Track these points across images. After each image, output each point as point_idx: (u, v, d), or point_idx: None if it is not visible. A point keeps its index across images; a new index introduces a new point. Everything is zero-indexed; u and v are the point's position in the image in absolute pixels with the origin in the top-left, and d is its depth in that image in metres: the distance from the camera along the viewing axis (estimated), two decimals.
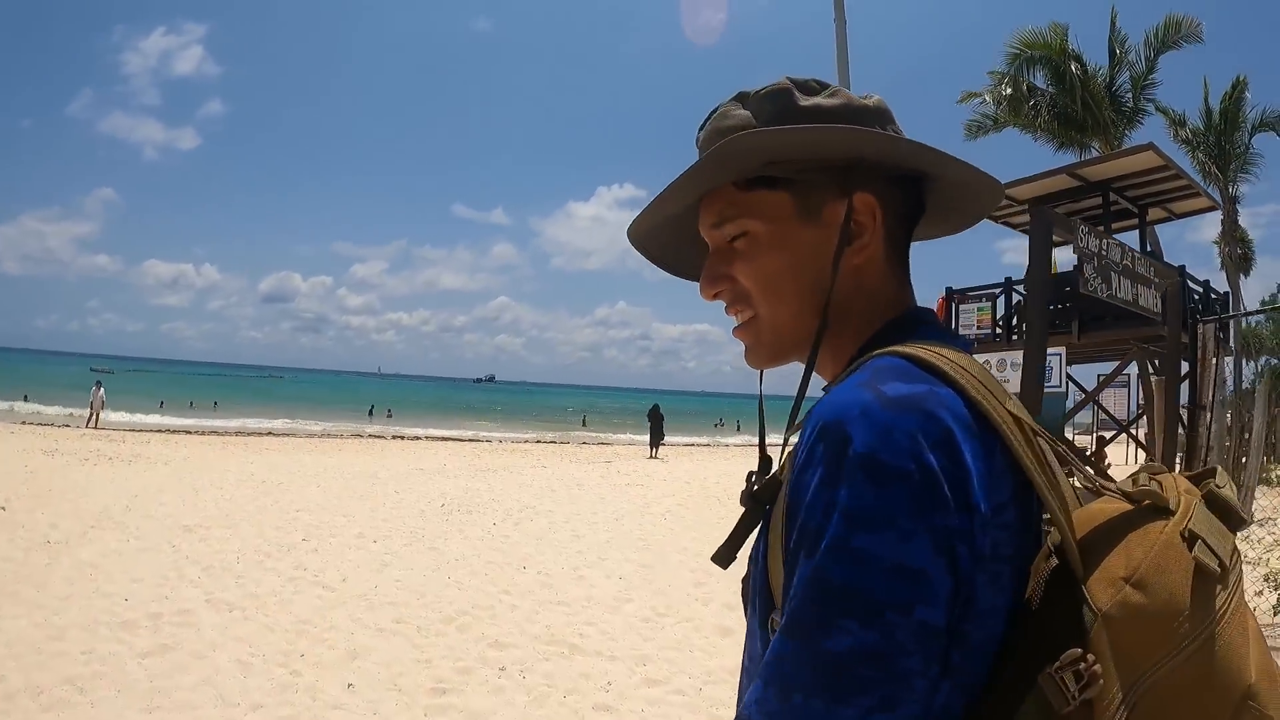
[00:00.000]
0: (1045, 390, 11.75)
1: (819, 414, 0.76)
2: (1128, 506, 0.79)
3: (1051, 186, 16.29)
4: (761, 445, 1.00)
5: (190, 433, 33.07)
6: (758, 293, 0.97)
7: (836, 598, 0.69)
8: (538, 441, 40.23)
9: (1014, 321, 16.67)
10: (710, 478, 22.49)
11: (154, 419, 39.81)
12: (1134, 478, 0.85)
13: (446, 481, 18.10)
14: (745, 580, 0.93)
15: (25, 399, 47.58)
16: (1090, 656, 0.69)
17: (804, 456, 0.75)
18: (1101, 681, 0.68)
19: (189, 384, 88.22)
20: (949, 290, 17.86)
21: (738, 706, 0.78)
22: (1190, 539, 0.73)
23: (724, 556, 0.96)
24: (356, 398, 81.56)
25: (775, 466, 0.92)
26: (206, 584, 7.86)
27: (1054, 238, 16.88)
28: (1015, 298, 16.74)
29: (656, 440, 32.43)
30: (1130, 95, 24.70)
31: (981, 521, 0.72)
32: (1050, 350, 11.61)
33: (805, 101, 0.95)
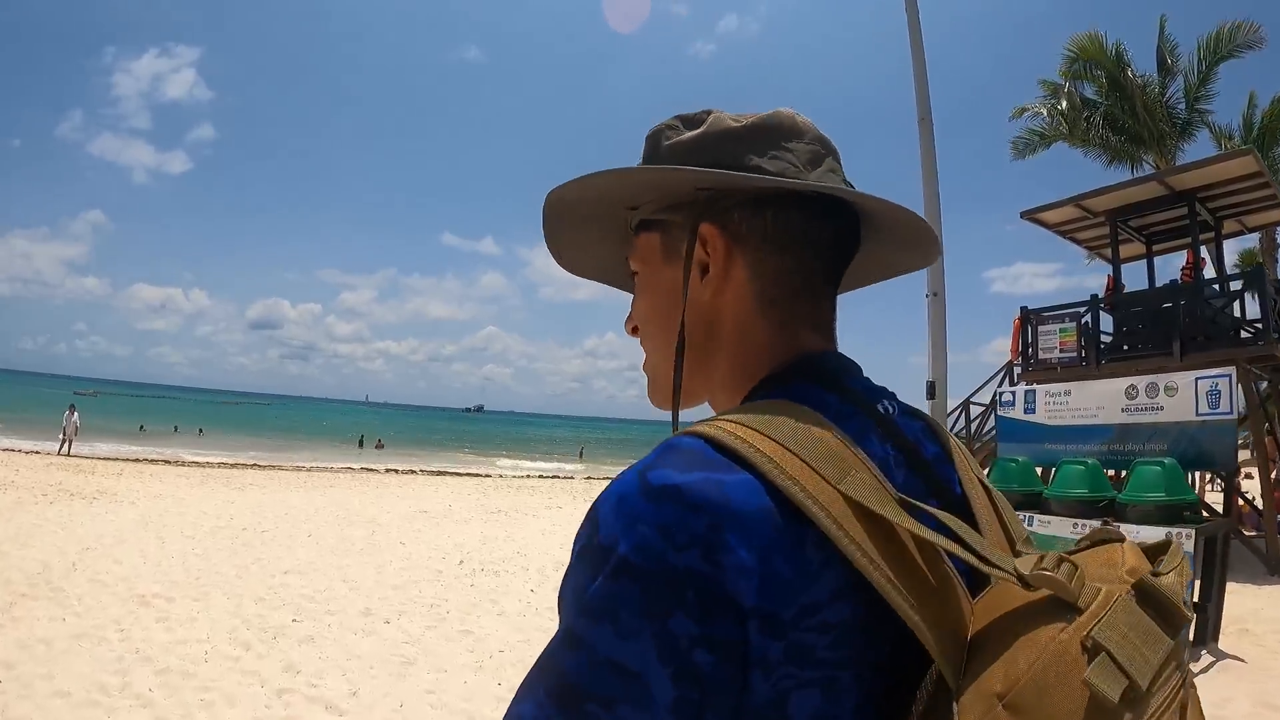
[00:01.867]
0: (1206, 418, 10.01)
1: (601, 495, 0.70)
2: (1025, 598, 0.64)
3: (1130, 197, 15.28)
4: None
5: (169, 463, 30.45)
6: (641, 332, 0.97)
7: (549, 673, 0.65)
8: (540, 476, 37.71)
9: (1100, 344, 15.17)
10: None
11: (132, 448, 36.96)
12: (1055, 556, 0.67)
13: (458, 528, 15.68)
14: None
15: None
16: None
17: (580, 532, 0.70)
18: None
19: (174, 409, 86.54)
20: (1024, 310, 16.35)
21: None
22: (1092, 650, 0.58)
23: None
24: (345, 427, 79.53)
25: None
26: (158, 705, 5.48)
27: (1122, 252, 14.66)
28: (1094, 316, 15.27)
29: None
30: (1184, 106, 23.01)
31: (763, 626, 0.63)
32: (1216, 371, 10.50)
33: (669, 140, 0.91)
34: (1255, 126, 23.79)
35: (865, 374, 0.89)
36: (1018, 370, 17.57)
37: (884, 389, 0.88)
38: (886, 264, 1.02)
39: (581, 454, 61.67)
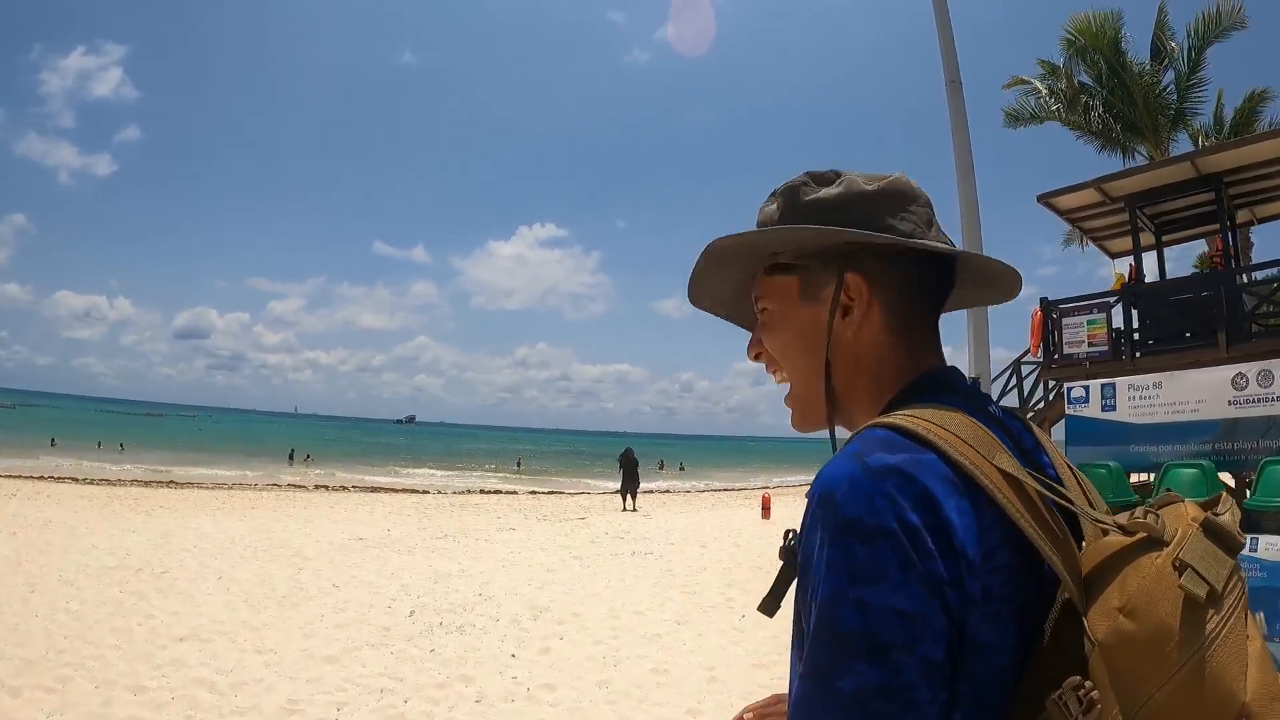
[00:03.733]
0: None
1: (817, 483, 0.86)
2: (1127, 540, 0.84)
3: (1159, 179, 14.31)
4: None
5: (76, 481, 27.48)
6: (780, 361, 1.13)
7: (845, 643, 0.78)
8: (483, 492, 35.06)
9: (1135, 336, 14.25)
10: (717, 536, 18.22)
11: (36, 464, 33.56)
12: (1142, 509, 0.87)
13: (401, 561, 13.25)
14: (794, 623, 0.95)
15: None
16: (1089, 683, 0.77)
17: (808, 520, 0.86)
18: (1100, 706, 0.76)
19: (96, 423, 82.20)
20: (1044, 301, 15.33)
21: None
22: (1180, 568, 0.79)
23: (770, 606, 1.08)
24: (273, 439, 75.87)
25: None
26: None
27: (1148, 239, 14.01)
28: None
29: (631, 489, 27.70)
30: (1175, 96, 21.89)
31: (969, 567, 0.81)
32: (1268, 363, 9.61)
33: (809, 196, 1.08)
34: (1226, 123, 22.86)
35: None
36: (1029, 367, 16.66)
37: (988, 395, 1.10)
38: (972, 299, 1.21)
39: (519, 465, 58.72)
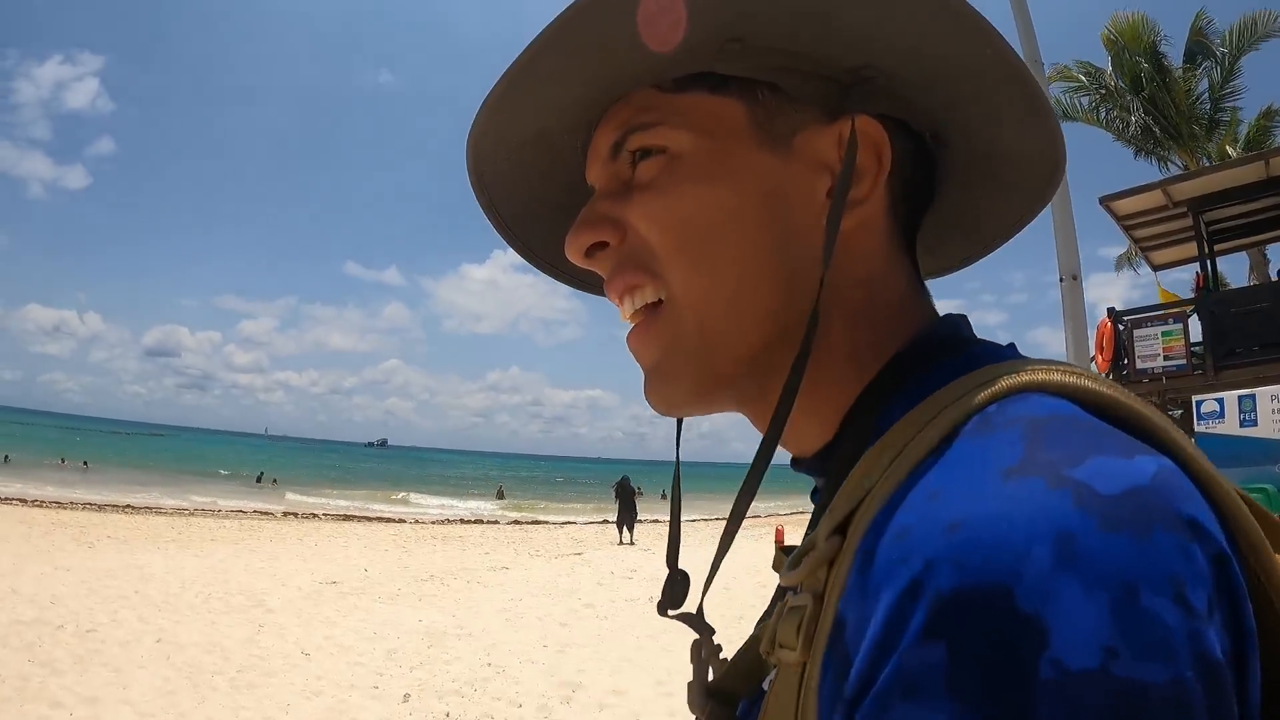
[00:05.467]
0: None
1: (912, 551, 0.37)
2: None
3: (1223, 182, 12.95)
4: (673, 560, 0.69)
5: (22, 503, 25.07)
6: (671, 250, 0.58)
7: None
8: (463, 521, 32.77)
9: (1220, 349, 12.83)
10: (736, 575, 15.91)
11: None
12: None
13: (384, 612, 11.08)
14: None
15: None
16: None
17: (885, 669, 0.36)
18: None
19: (61, 440, 78.67)
20: (1113, 312, 14.13)
21: None
22: None
23: None
24: (242, 461, 73.09)
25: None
26: None
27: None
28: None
29: (629, 521, 25.58)
30: (1209, 105, 20.96)
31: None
32: None
33: None
34: (1240, 139, 21.50)
35: None
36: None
37: None
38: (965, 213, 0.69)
39: (501, 495, 56.02)
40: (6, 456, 44.35)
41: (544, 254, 0.74)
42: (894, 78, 0.57)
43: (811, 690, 0.42)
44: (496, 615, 11.31)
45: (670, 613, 0.67)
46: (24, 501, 25.71)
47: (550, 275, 0.75)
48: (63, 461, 46.77)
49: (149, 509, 27.64)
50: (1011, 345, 0.56)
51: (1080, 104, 21.55)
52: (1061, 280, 8.12)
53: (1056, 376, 0.45)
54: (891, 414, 0.50)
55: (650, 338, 0.60)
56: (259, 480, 49.00)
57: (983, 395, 0.44)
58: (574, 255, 0.62)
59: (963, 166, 0.64)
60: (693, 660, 0.62)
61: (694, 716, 0.63)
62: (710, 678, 0.61)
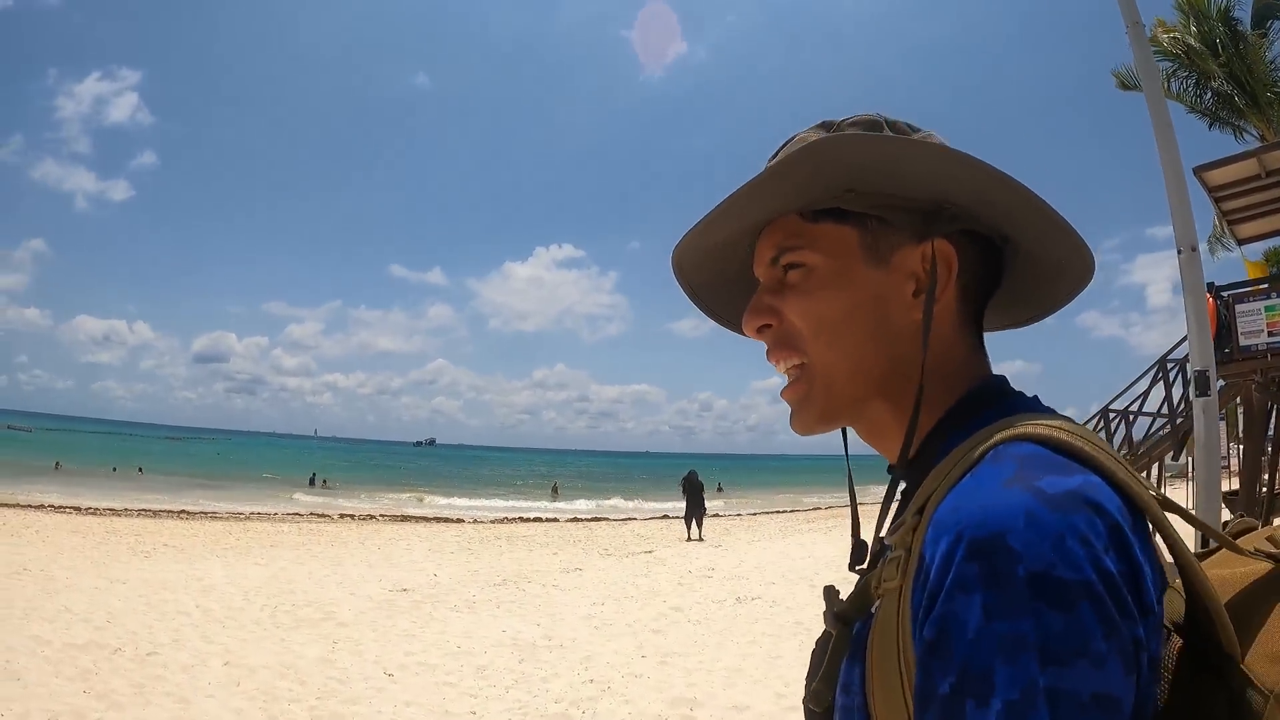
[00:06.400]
0: None
1: (959, 522, 0.65)
2: (1268, 567, 0.73)
3: None
4: (855, 530, 0.93)
5: (77, 511, 24.63)
6: (809, 334, 0.87)
7: None
8: (521, 519, 31.91)
9: None
10: (816, 570, 15.39)
11: (34, 492, 30.52)
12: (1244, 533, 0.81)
13: (463, 622, 10.24)
14: (820, 712, 0.81)
15: None
16: None
17: (947, 578, 0.63)
18: None
19: (114, 446, 79.27)
20: (1212, 287, 13.09)
21: None
22: None
23: (823, 696, 0.80)
24: (294, 463, 72.97)
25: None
26: None
27: None
28: None
29: (697, 515, 24.61)
30: None
31: (1155, 624, 0.65)
32: None
33: (898, 133, 0.88)
34: None
35: None
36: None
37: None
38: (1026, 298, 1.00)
39: (556, 491, 55.05)
40: (58, 464, 44.26)
41: (715, 306, 1.06)
42: (962, 208, 0.83)
43: (906, 601, 0.68)
44: (583, 623, 10.45)
45: (856, 568, 0.88)
46: (78, 509, 25.25)
47: (716, 321, 1.08)
48: (115, 470, 46.54)
49: (204, 514, 27.13)
50: (1035, 398, 0.84)
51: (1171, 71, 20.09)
52: (1180, 252, 7.30)
53: (1041, 430, 0.71)
54: (950, 444, 0.77)
55: (796, 389, 0.88)
56: (312, 482, 48.57)
57: (998, 438, 0.72)
58: (748, 330, 0.92)
59: (1023, 259, 0.90)
60: (825, 599, 0.83)
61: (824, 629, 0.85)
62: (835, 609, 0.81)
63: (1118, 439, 16.40)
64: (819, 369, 0.85)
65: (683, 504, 25.46)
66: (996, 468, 0.68)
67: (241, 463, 70.91)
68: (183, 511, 27.58)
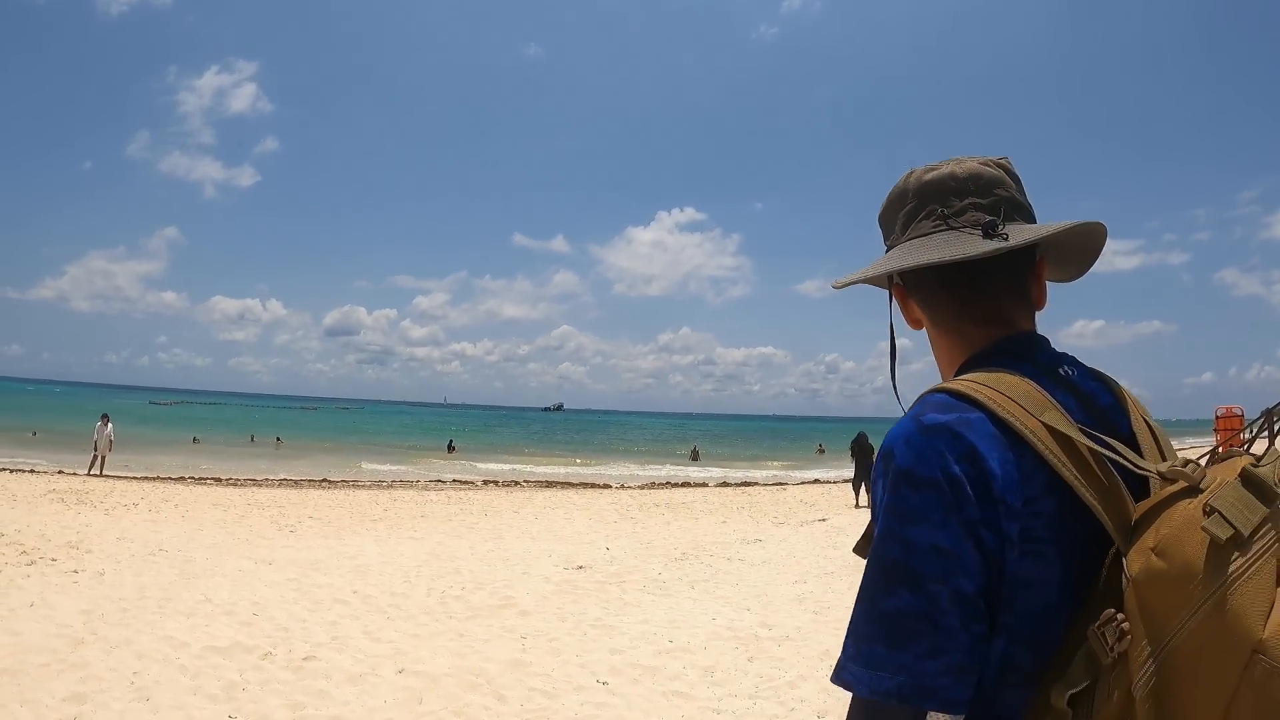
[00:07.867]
0: None
1: (886, 438, 1.01)
2: (1169, 488, 0.91)
3: None
4: None
5: (218, 482, 24.08)
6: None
7: (891, 571, 0.92)
8: (670, 485, 30.33)
9: None
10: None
11: (176, 463, 30.31)
12: (1187, 461, 0.96)
13: (660, 608, 8.58)
14: None
15: (34, 434, 40.46)
16: (1121, 615, 0.85)
17: (876, 468, 1.02)
18: (1130, 636, 0.83)
19: (252, 418, 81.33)
20: None
21: None
22: (1209, 512, 0.83)
23: (865, 548, 1.07)
24: (427, 429, 74.20)
25: None
26: None
27: None
28: None
29: (866, 481, 22.63)
30: None
31: (1007, 512, 0.92)
32: None
33: (887, 221, 1.30)
34: None
35: (1053, 347, 1.19)
36: None
37: (1066, 355, 1.17)
38: (1071, 260, 1.31)
39: (696, 454, 52.54)
40: (195, 438, 44.50)
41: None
42: (908, 271, 1.23)
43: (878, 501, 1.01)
44: (797, 607, 8.71)
45: None
46: (219, 480, 24.84)
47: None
48: (253, 439, 46.84)
49: (346, 483, 26.37)
50: (1010, 358, 1.10)
51: None
52: None
53: (953, 385, 1.03)
54: None
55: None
56: (450, 449, 48.01)
57: (928, 390, 1.05)
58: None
59: (1058, 246, 1.22)
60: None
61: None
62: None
63: None
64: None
65: (841, 470, 23.67)
66: (915, 409, 1.02)
67: (377, 430, 72.22)
68: (324, 480, 26.95)
